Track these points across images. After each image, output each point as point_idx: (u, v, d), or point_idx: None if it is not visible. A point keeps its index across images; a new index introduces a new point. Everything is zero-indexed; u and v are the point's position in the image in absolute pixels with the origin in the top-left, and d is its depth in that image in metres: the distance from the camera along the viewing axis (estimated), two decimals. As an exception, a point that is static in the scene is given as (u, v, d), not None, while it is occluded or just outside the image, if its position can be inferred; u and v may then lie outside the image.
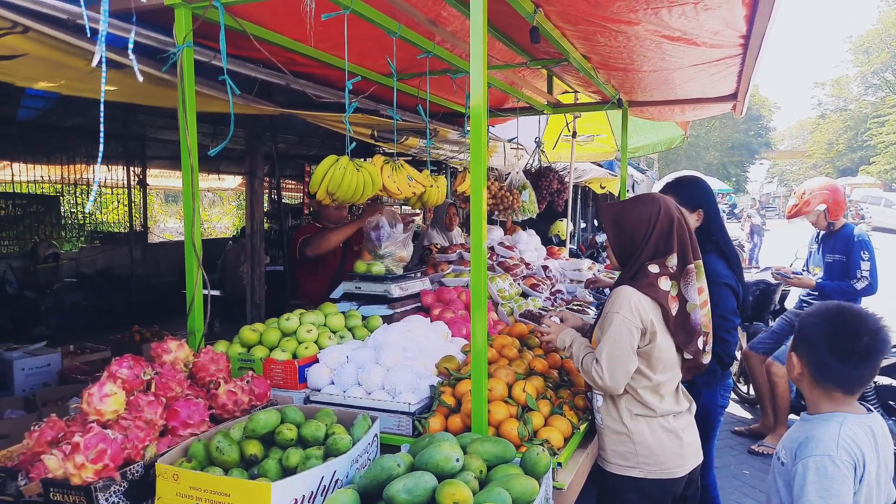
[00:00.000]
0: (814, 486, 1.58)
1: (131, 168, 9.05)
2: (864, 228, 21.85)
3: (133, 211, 9.16)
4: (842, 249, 4.43)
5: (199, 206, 2.36)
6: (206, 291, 2.35)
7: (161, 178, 10.65)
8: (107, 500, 1.55)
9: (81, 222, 9.53)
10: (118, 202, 9.62)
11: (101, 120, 1.61)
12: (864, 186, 34.82)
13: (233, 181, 11.81)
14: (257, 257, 4.00)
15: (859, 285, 4.28)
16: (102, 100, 1.61)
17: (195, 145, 2.30)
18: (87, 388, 1.74)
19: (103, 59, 1.51)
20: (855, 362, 1.66)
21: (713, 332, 2.53)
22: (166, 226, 15.54)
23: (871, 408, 1.78)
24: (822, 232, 4.66)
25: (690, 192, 2.89)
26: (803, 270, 4.98)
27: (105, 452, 1.57)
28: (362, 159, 2.79)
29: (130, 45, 1.67)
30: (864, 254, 4.30)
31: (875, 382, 4.37)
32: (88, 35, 1.83)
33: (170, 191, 14.74)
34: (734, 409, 5.66)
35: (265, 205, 9.64)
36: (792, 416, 5.02)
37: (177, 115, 2.35)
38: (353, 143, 2.45)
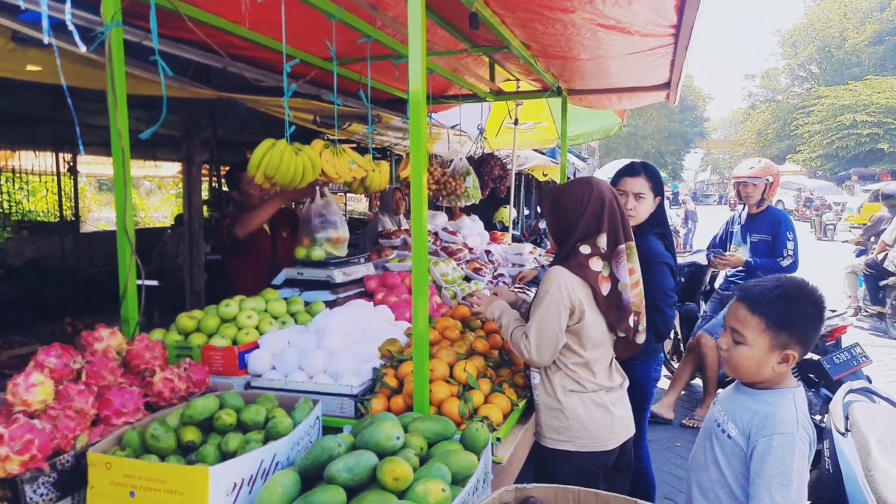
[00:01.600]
0: (774, 463, 1.61)
1: (60, 155, 8.63)
2: (831, 218, 22.16)
3: (63, 199, 8.74)
4: (767, 230, 4.70)
5: (130, 190, 2.29)
6: (139, 282, 2.28)
7: (94, 166, 10.20)
8: (34, 491, 1.51)
9: (7, 212, 9.06)
10: (47, 190, 9.18)
11: (72, 108, 1.54)
12: (790, 174, 36.61)
13: (171, 168, 11.42)
14: (196, 245, 3.91)
15: (785, 263, 4.55)
16: (64, 85, 1.54)
17: (126, 128, 2.22)
18: (13, 378, 1.68)
19: (54, 46, 1.45)
20: (821, 327, 1.74)
21: (655, 305, 2.66)
22: (101, 215, 14.90)
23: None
24: (745, 213, 4.91)
25: (659, 176, 3.04)
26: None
27: (32, 443, 1.52)
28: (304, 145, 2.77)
29: (68, 18, 1.61)
30: (789, 234, 4.61)
31: (797, 357, 4.63)
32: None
33: (104, 178, 14.15)
34: (666, 384, 5.85)
35: (206, 193, 9.38)
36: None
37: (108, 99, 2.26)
38: (293, 128, 2.42)
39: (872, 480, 2.00)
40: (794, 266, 4.58)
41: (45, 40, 1.43)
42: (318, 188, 3.16)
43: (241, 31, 2.77)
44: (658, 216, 3.01)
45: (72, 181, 8.83)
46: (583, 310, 2.16)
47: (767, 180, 4.76)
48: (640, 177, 2.97)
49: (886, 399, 2.56)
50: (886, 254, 7.63)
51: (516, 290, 3.59)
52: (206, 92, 3.00)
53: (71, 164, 8.66)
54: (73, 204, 8.99)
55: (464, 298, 3.38)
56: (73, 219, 9.00)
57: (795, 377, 4.28)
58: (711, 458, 1.81)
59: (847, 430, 2.35)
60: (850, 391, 2.58)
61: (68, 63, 2.28)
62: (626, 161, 3.38)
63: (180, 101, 4.04)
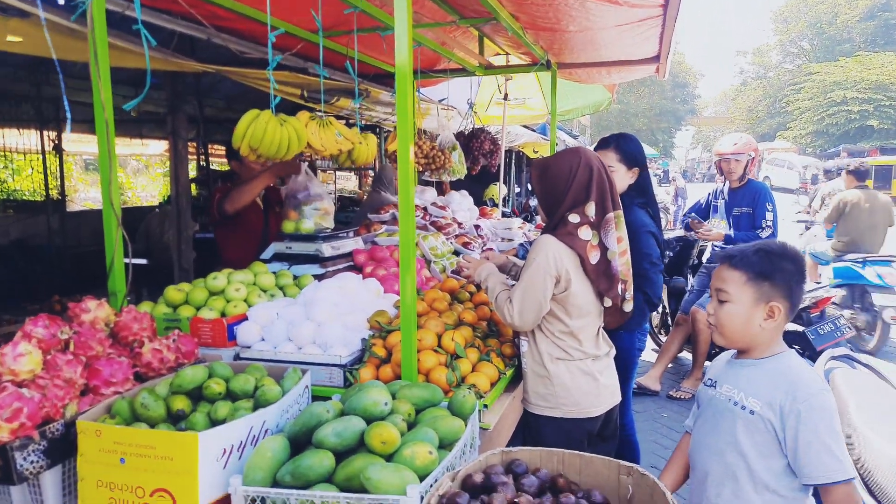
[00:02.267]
0: (825, 423, 1.59)
1: (45, 132, 8.51)
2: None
3: (49, 178, 8.63)
4: (749, 202, 4.78)
5: (115, 163, 2.27)
6: (127, 260, 2.27)
7: (79, 144, 10.06)
8: (24, 458, 1.52)
9: (-7, 190, 8.97)
10: (32, 169, 9.06)
11: (62, 83, 1.52)
12: (780, 151, 36.75)
13: (158, 147, 11.29)
14: (184, 221, 3.89)
15: (764, 234, 4.63)
16: (54, 55, 1.52)
17: (109, 99, 2.20)
18: (0, 347, 1.68)
19: (41, 14, 1.43)
20: (804, 284, 1.77)
21: (644, 275, 2.69)
22: (88, 195, 14.75)
23: None
24: (728, 188, 4.98)
25: (632, 149, 3.02)
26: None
27: (21, 411, 1.53)
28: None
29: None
30: (768, 205, 4.69)
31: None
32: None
33: (90, 158, 13.99)
34: (653, 357, 5.91)
35: (194, 171, 9.29)
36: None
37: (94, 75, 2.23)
38: (278, 99, 2.40)
39: (851, 442, 2.05)
40: (773, 237, 4.67)
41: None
42: (302, 164, 3.14)
43: (225, 2, 2.73)
44: (641, 187, 3.02)
45: (57, 160, 8.72)
46: (569, 279, 2.18)
47: (750, 155, 4.84)
48: (609, 149, 2.99)
49: (866, 365, 2.60)
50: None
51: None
52: (190, 64, 2.96)
53: (56, 142, 8.54)
54: (58, 183, 8.87)
55: (453, 272, 3.39)
56: (60, 198, 8.89)
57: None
58: (730, 442, 1.74)
59: (828, 395, 2.40)
60: (832, 358, 2.62)
61: (51, 34, 2.24)
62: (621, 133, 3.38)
63: (165, 77, 3.99)
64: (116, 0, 2.44)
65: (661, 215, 14.78)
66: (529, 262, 2.19)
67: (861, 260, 6.28)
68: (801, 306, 4.39)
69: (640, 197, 2.99)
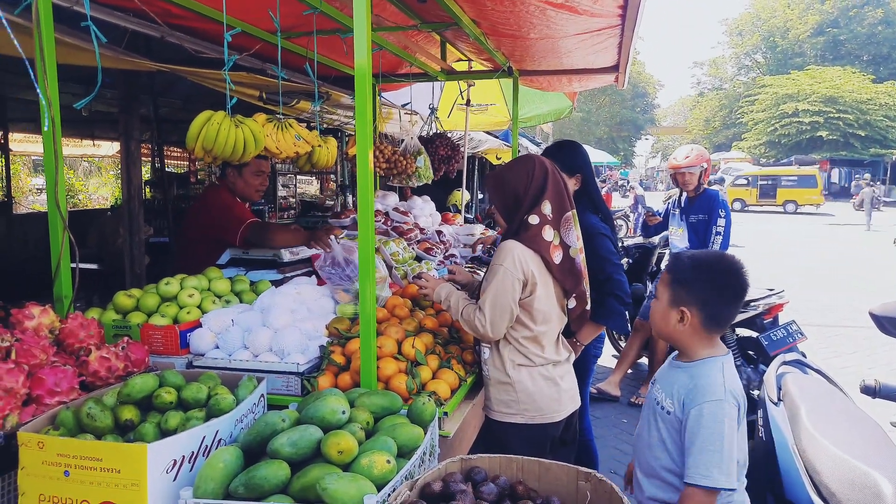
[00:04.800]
0: (706, 430, 1.69)
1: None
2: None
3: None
4: (705, 210, 4.95)
5: (62, 164, 2.19)
6: (74, 265, 2.18)
7: (27, 144, 9.70)
8: (-40, 473, 1.44)
9: (-68, 192, 8.57)
10: (-24, 170, 8.69)
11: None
12: (735, 161, 37.83)
13: (111, 148, 10.98)
14: (136, 224, 3.77)
15: (717, 240, 4.77)
16: None
17: (56, 97, 2.12)
18: (-66, 356, 1.59)
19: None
20: (736, 303, 1.83)
21: (609, 278, 2.72)
22: (36, 197, 14.25)
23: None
24: (685, 197, 5.11)
25: (569, 157, 3.02)
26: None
27: (-44, 423, 1.45)
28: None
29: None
30: (721, 212, 4.89)
31: (737, 335, 4.82)
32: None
33: (39, 157, 13.52)
34: (612, 362, 5.98)
35: (149, 173, 9.06)
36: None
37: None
38: (234, 100, 2.35)
39: (801, 445, 2.10)
40: (724, 243, 4.84)
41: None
42: (331, 238, 2.96)
43: (181, 0, 2.66)
44: (587, 193, 3.04)
45: (3, 160, 8.39)
46: (535, 282, 2.19)
47: (702, 166, 4.98)
48: (549, 159, 3.01)
49: (817, 370, 2.68)
50: None
51: (468, 268, 3.61)
52: (143, 63, 2.88)
53: (2, 141, 8.22)
54: (4, 184, 8.55)
55: (414, 277, 3.37)
56: (6, 200, 8.56)
57: (736, 355, 4.39)
58: (657, 437, 1.87)
59: (780, 399, 2.45)
60: (784, 363, 2.69)
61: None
62: (561, 140, 3.40)
63: (117, 75, 3.87)
64: (65, -5, 2.35)
65: (621, 223, 15.02)
66: (495, 269, 2.18)
67: None
68: (755, 313, 4.50)
69: (589, 202, 3.02)
